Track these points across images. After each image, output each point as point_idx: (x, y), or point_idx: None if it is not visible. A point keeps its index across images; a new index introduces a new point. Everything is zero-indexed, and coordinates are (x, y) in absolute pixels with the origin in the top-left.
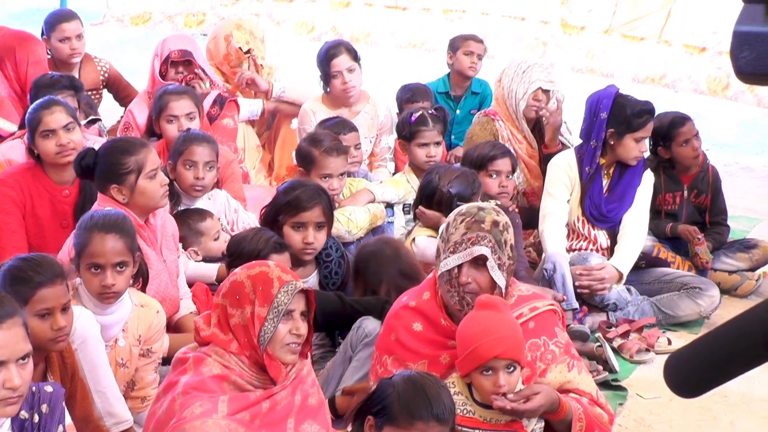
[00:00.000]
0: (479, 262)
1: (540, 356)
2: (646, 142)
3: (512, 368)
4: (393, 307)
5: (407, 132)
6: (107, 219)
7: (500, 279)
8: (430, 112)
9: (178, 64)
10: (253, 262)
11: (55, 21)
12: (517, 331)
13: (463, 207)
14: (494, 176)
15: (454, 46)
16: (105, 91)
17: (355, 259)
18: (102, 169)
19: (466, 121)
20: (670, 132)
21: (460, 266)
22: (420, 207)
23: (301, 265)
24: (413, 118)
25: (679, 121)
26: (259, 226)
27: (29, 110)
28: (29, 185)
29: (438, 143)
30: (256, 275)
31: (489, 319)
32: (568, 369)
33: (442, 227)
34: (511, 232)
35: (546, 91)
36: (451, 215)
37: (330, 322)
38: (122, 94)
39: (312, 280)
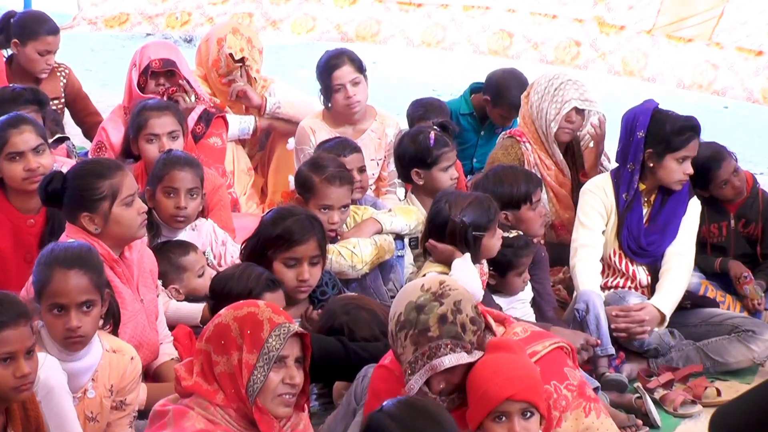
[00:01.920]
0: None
1: (553, 404)
2: (690, 163)
3: (529, 414)
4: (375, 370)
5: (432, 158)
6: (69, 252)
7: (475, 357)
8: (435, 128)
9: (159, 75)
10: (241, 301)
11: (39, 29)
12: (533, 372)
13: (397, 312)
14: (535, 209)
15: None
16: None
17: (323, 327)
18: (71, 195)
19: (492, 144)
20: (705, 173)
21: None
22: (430, 240)
23: (293, 305)
24: (431, 140)
25: (715, 162)
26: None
27: None
28: None
29: (454, 162)
30: (244, 317)
31: (501, 360)
32: (585, 414)
33: (391, 341)
34: (466, 301)
35: (580, 111)
36: (391, 324)
37: (330, 371)
38: (79, 106)
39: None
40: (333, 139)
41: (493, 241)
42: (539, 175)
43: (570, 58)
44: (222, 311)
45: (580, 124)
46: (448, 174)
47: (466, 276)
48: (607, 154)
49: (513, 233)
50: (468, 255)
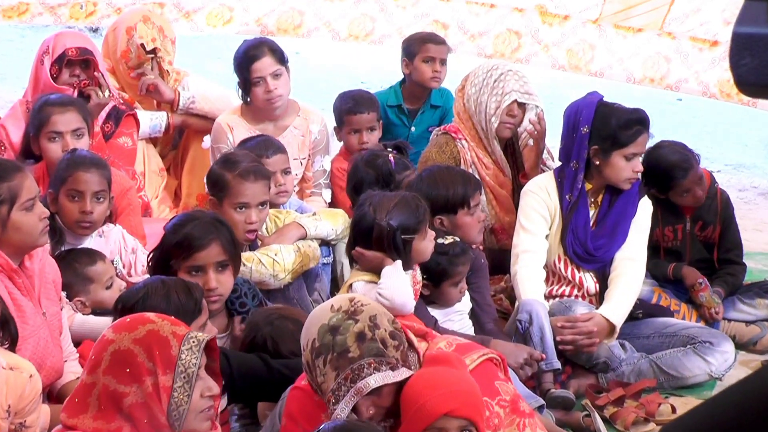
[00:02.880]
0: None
1: (486, 422)
2: (640, 160)
3: None
4: (290, 392)
5: (396, 183)
6: None
7: (402, 374)
8: (391, 150)
9: (75, 65)
10: (128, 319)
11: None
12: (474, 387)
13: (310, 339)
14: (474, 214)
15: (410, 51)
16: None
17: (245, 340)
18: None
19: (424, 140)
20: (668, 180)
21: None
22: (357, 248)
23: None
24: (393, 163)
25: (681, 171)
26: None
27: None
28: None
29: None
30: (146, 337)
31: (438, 374)
32: (519, 431)
33: (307, 371)
34: (381, 316)
35: (522, 105)
36: (305, 354)
37: (253, 390)
38: None
39: (227, 337)
40: (255, 137)
41: (425, 244)
42: (477, 175)
43: (510, 51)
44: (109, 335)
45: (521, 118)
46: None
47: (397, 284)
48: (550, 152)
49: (449, 239)
50: (399, 262)
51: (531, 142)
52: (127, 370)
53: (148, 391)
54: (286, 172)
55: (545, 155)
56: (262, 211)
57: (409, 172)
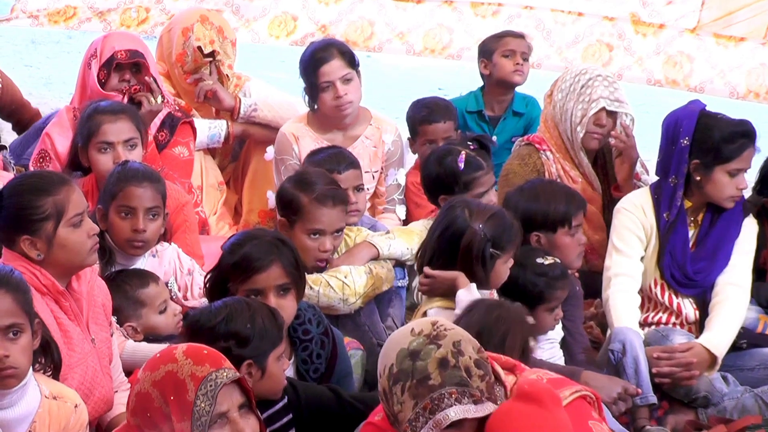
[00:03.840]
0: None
1: None
2: (745, 176)
3: None
4: (363, 428)
5: (461, 185)
6: None
7: (487, 409)
8: (471, 147)
9: (124, 69)
10: (157, 355)
11: None
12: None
13: (388, 364)
14: (574, 235)
15: (487, 49)
16: None
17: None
18: (8, 215)
19: (506, 151)
20: None
21: None
22: (426, 269)
23: None
24: (461, 162)
25: None
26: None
27: None
28: None
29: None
30: (163, 380)
31: (526, 415)
32: None
33: (383, 400)
34: (466, 342)
35: (611, 113)
36: (381, 380)
37: (322, 425)
38: (9, 108)
39: (289, 369)
40: (325, 149)
41: (505, 267)
42: None
43: (601, 64)
44: (140, 374)
45: (611, 127)
46: (485, 200)
47: None
48: (645, 166)
49: (549, 260)
50: (473, 286)
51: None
52: (148, 414)
53: None
54: (359, 189)
55: (639, 168)
56: (337, 238)
57: (482, 173)
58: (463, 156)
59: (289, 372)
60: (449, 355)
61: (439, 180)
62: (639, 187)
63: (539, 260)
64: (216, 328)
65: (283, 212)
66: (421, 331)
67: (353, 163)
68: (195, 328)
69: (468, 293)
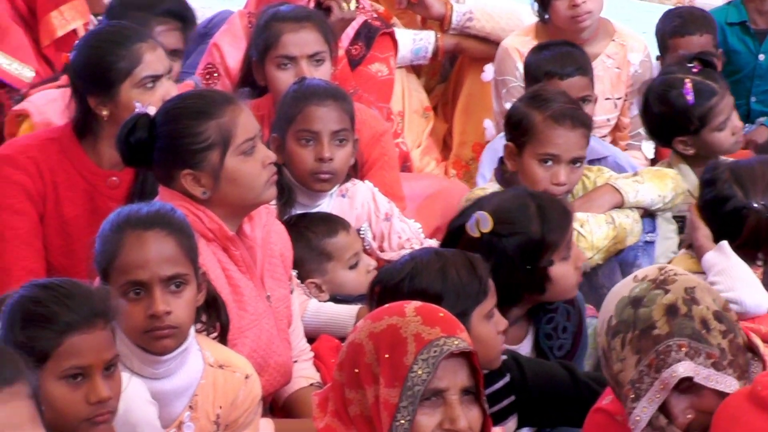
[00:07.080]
0: (683, 384)
1: None
2: None
3: None
4: (589, 415)
5: (697, 121)
6: (144, 212)
7: (729, 385)
8: (693, 69)
9: None
10: (385, 306)
11: None
12: None
13: (607, 317)
14: None
15: None
16: None
17: None
18: (163, 146)
19: None
20: None
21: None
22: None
23: None
24: (689, 94)
25: None
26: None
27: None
28: (54, 167)
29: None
30: (382, 332)
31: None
32: None
33: (603, 360)
34: (702, 290)
35: None
36: (600, 338)
37: (552, 408)
38: None
39: (524, 344)
40: (554, 45)
41: None
42: None
43: None
44: (360, 322)
45: None
46: (728, 129)
47: (740, 275)
48: None
49: None
50: (725, 245)
51: None
52: (355, 371)
53: (369, 402)
54: (586, 100)
55: None
56: (574, 171)
57: (716, 98)
58: (689, 85)
59: (526, 348)
60: (679, 302)
61: (667, 122)
62: None
63: None
64: (399, 286)
65: (511, 135)
66: (645, 277)
67: (582, 69)
68: (378, 288)
69: (721, 255)
